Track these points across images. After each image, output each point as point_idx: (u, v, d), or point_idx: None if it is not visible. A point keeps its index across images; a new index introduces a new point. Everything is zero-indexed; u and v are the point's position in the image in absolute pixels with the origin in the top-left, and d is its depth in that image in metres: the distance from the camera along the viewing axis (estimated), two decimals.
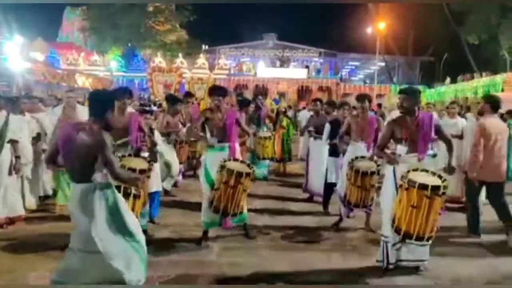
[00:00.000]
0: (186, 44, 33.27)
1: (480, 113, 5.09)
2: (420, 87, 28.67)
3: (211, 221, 4.35)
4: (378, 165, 4.58)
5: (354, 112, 5.34)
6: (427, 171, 3.54)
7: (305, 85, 30.13)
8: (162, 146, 5.46)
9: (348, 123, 5.11)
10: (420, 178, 3.39)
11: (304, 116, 12.91)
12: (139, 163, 4.02)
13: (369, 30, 29.26)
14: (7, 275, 3.53)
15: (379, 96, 26.33)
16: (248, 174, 4.04)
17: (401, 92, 3.87)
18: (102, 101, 3.03)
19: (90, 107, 3.05)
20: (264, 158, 6.74)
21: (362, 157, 4.75)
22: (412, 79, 32.21)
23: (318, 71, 32.33)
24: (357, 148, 4.98)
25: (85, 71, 26.29)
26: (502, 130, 4.69)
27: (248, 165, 4.25)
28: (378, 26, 26.25)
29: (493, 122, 4.64)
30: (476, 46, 26.04)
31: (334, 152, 5.48)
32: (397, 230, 3.50)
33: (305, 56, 36.52)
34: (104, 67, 28.83)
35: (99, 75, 26.76)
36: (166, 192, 6.13)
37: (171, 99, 6.59)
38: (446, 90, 24.58)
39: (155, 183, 4.85)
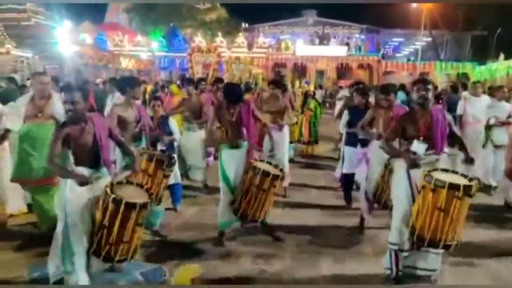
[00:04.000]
0: (225, 22, 33.47)
1: None
2: (470, 64, 27.14)
3: (230, 221, 4.09)
4: None
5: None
6: (447, 170, 3.25)
7: (344, 62, 29.49)
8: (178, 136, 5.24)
9: (371, 115, 4.54)
10: (447, 177, 3.06)
11: (343, 95, 12.43)
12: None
13: (414, 4, 27.83)
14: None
15: (423, 74, 25.23)
16: (282, 177, 3.94)
17: (423, 81, 3.45)
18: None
19: None
20: (290, 142, 6.97)
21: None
22: (461, 56, 30.41)
23: (359, 48, 31.43)
24: None
25: (129, 52, 27.33)
26: None
27: (275, 166, 4.03)
28: None
29: None
30: None
31: (352, 141, 5.06)
32: (419, 239, 3.13)
33: (346, 32, 35.43)
34: (147, 48, 29.76)
35: (142, 56, 27.69)
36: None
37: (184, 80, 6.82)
38: (498, 67, 23.06)
39: (172, 176, 4.50)
